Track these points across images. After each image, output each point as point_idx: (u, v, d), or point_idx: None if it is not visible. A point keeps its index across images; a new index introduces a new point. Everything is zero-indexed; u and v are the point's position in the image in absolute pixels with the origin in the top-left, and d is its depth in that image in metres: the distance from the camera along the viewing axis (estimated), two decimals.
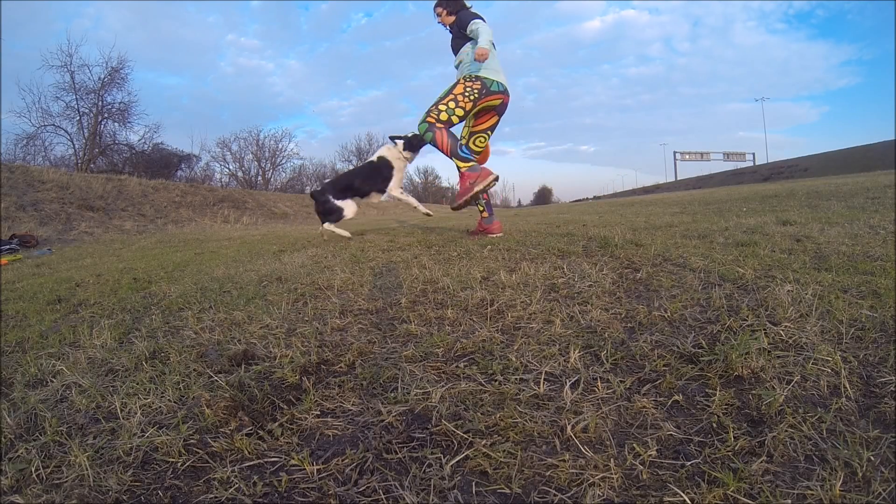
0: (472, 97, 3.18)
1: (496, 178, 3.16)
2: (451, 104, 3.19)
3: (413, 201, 3.95)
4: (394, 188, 3.87)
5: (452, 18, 3.32)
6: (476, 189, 3.15)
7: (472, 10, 3.34)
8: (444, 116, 3.19)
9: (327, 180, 4.06)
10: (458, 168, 3.21)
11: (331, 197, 3.79)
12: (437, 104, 3.22)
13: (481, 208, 3.56)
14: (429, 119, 3.20)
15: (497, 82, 3.22)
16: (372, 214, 18.25)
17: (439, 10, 3.38)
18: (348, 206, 3.81)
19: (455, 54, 3.38)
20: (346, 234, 4.01)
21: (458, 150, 3.20)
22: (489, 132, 3.47)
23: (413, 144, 3.82)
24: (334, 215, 3.80)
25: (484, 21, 3.18)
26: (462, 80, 3.20)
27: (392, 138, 3.92)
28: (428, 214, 4.19)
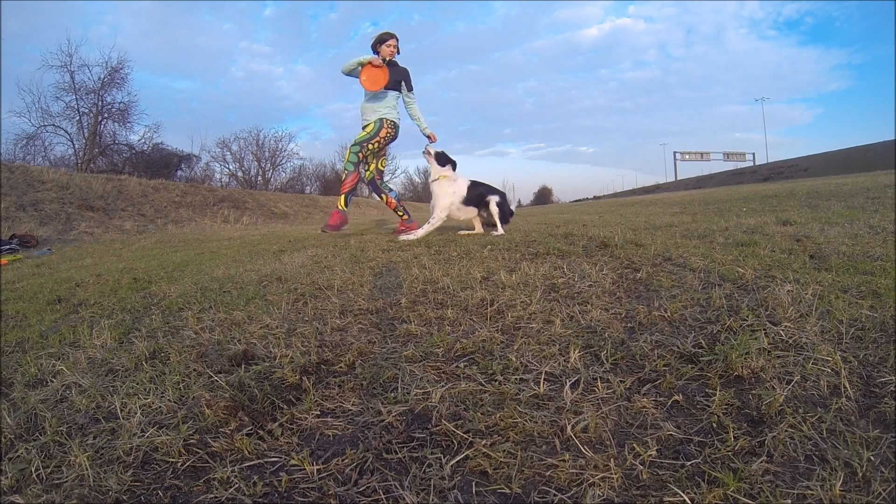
0: (387, 141, 4.04)
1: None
2: (375, 145, 4.01)
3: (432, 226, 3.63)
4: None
5: (394, 57, 4.01)
6: (336, 227, 4.13)
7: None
8: (365, 155, 4.02)
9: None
10: (339, 204, 4.09)
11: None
12: (367, 142, 3.96)
13: (401, 213, 4.33)
14: (360, 155, 3.98)
15: (399, 126, 4.08)
16: (372, 215, 18.26)
17: (395, 44, 3.99)
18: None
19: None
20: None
21: (348, 195, 4.10)
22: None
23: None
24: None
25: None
26: (386, 126, 3.97)
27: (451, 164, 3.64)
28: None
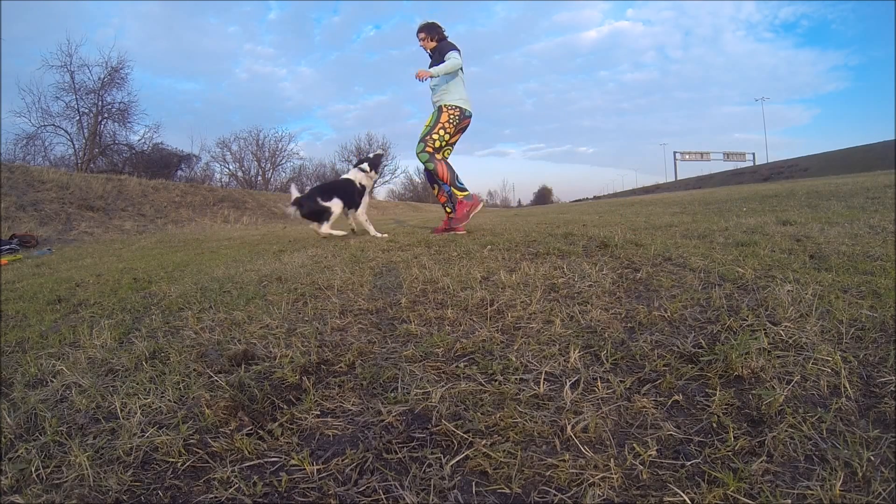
0: (454, 123, 3.78)
1: (483, 203, 4.00)
2: (442, 132, 3.79)
3: (371, 230, 4.18)
4: (361, 212, 4.15)
5: (433, 44, 3.85)
6: (471, 215, 3.86)
7: (450, 40, 3.83)
8: (437, 144, 3.77)
9: (309, 189, 4.30)
10: (456, 196, 3.83)
11: (319, 199, 3.94)
12: (430, 133, 3.77)
13: (449, 210, 4.11)
14: (428, 149, 3.75)
15: (468, 110, 3.83)
16: (372, 214, 18.24)
17: (422, 35, 3.87)
18: (335, 204, 3.97)
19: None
20: (343, 232, 4.14)
21: (456, 181, 3.81)
22: (452, 147, 4.04)
23: (375, 164, 4.27)
24: (325, 215, 3.94)
25: (459, 53, 3.71)
26: (446, 109, 3.76)
27: (359, 164, 4.22)
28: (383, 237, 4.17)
